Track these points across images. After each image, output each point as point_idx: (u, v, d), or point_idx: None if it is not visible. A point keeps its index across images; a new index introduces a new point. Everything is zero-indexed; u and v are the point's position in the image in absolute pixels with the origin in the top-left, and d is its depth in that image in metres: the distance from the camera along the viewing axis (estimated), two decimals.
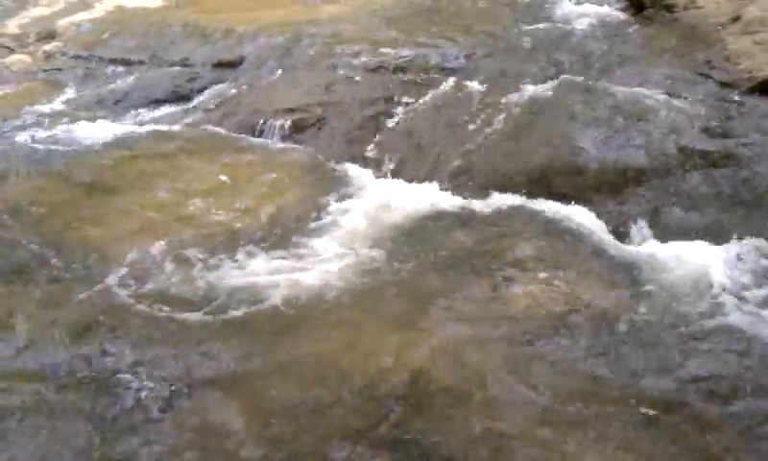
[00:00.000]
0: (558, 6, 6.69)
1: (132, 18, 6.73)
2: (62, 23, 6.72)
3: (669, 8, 6.38)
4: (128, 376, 3.01)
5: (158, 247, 3.77)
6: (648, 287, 3.45)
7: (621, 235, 3.87)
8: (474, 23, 6.28)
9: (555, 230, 3.87)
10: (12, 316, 3.36)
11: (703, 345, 3.11)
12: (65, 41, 6.37)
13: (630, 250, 3.75)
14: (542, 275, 3.51)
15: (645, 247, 3.76)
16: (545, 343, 3.12)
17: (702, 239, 3.72)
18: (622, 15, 6.53)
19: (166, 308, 3.37)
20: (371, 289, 3.45)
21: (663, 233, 3.83)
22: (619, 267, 3.61)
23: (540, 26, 6.27)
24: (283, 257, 3.68)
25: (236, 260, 3.68)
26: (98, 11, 6.99)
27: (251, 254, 3.72)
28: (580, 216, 3.95)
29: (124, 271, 3.62)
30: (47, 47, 6.26)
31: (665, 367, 2.99)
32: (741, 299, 3.31)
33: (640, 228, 3.90)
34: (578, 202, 4.06)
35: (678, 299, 3.36)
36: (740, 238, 3.67)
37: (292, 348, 3.14)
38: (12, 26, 6.73)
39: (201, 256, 3.71)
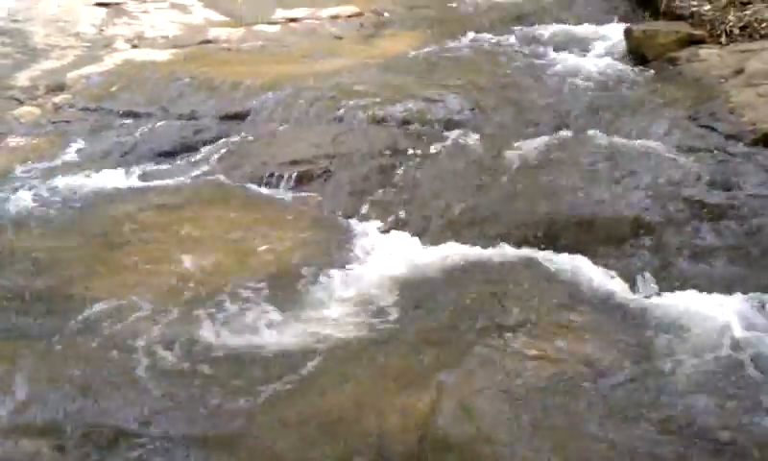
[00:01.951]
0: (561, 58, 6.74)
1: (140, 71, 6.80)
2: (72, 76, 6.79)
3: (672, 60, 6.43)
4: (131, 433, 2.98)
5: (163, 300, 3.77)
6: (656, 340, 3.43)
7: (628, 288, 3.84)
8: (478, 76, 6.32)
9: (562, 282, 3.86)
10: (13, 370, 3.34)
11: (713, 399, 3.08)
12: (74, 94, 6.43)
13: (637, 302, 3.73)
14: (550, 328, 3.49)
15: (652, 299, 3.74)
16: (554, 399, 3.09)
17: (710, 292, 3.70)
18: (625, 67, 6.57)
19: (170, 362, 3.36)
20: (377, 344, 3.43)
21: (670, 286, 3.82)
22: (626, 320, 3.59)
23: (544, 78, 6.32)
24: (288, 312, 3.67)
25: (241, 314, 3.68)
26: (107, 64, 7.06)
27: (256, 308, 3.71)
28: (586, 269, 3.94)
29: (128, 325, 3.60)
30: (56, 99, 6.32)
31: (676, 424, 2.96)
32: (751, 352, 3.29)
33: (647, 280, 3.88)
34: (584, 254, 4.05)
35: (686, 352, 3.33)
36: (748, 291, 3.66)
37: (297, 404, 3.11)
38: (22, 78, 6.80)
39: (205, 310, 3.70)
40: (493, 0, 8.87)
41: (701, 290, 3.71)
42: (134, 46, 7.65)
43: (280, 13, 8.70)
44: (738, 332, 3.37)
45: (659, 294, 3.77)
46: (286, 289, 3.85)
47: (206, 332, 3.55)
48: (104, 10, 8.70)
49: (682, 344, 3.35)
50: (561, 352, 3.33)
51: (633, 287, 3.84)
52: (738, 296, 3.63)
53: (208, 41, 7.78)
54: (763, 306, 3.54)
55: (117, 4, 8.94)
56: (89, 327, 3.62)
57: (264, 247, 4.25)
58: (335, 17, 8.48)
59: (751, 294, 3.63)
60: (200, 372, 3.30)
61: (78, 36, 7.90)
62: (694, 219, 4.22)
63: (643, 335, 3.45)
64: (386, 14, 8.68)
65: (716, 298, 3.63)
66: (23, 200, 4.78)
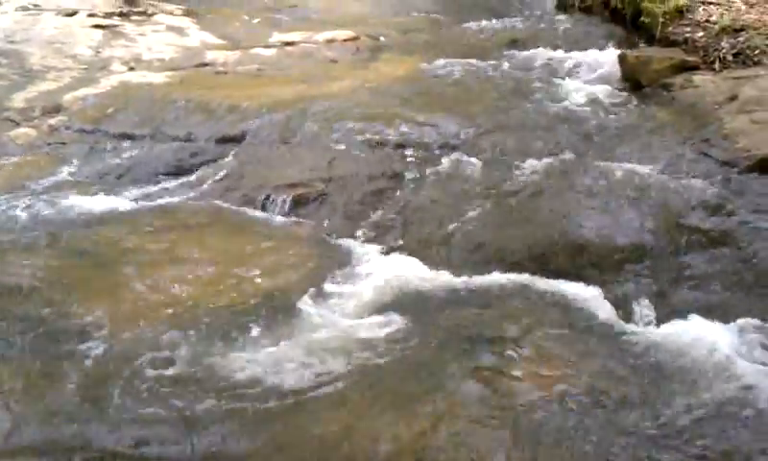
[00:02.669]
0: (556, 84, 6.78)
1: (136, 94, 6.81)
2: (68, 98, 6.79)
3: (666, 86, 6.47)
4: (122, 457, 2.97)
5: (158, 324, 3.75)
6: (651, 368, 3.43)
7: (623, 314, 3.85)
8: (474, 101, 6.35)
9: (556, 308, 3.86)
10: (9, 393, 3.33)
11: (709, 427, 3.07)
12: (70, 116, 6.42)
13: (632, 329, 3.73)
14: (545, 355, 3.49)
15: (648, 326, 3.75)
16: (548, 426, 3.08)
17: (705, 319, 3.71)
18: (620, 93, 6.61)
19: (165, 387, 3.34)
20: (371, 369, 3.42)
21: (666, 313, 3.82)
22: (622, 347, 3.59)
23: (540, 104, 6.35)
24: (283, 336, 3.66)
25: (236, 338, 3.66)
26: (103, 86, 7.07)
27: (251, 332, 3.70)
28: (582, 294, 3.95)
29: (123, 348, 3.59)
30: (52, 121, 6.32)
31: (671, 450, 2.94)
32: (749, 380, 3.29)
33: (642, 307, 3.89)
34: (579, 280, 4.06)
35: (682, 380, 3.33)
36: (744, 318, 3.66)
37: (292, 429, 3.10)
38: (19, 100, 6.80)
39: (200, 334, 3.69)
40: (488, 25, 8.93)
41: (697, 317, 3.72)
42: (131, 68, 7.66)
43: (276, 37, 8.74)
44: (734, 360, 3.37)
45: (654, 321, 3.77)
46: (281, 313, 3.84)
47: (199, 356, 3.53)
48: (101, 32, 8.72)
49: (678, 372, 3.35)
50: (555, 381, 3.32)
51: (628, 314, 3.84)
52: (734, 323, 3.64)
53: (205, 64, 7.79)
54: (760, 334, 3.54)
55: (114, 26, 8.97)
56: (80, 349, 3.59)
57: (259, 271, 4.23)
58: (331, 41, 8.52)
59: (747, 321, 3.64)
60: (192, 395, 3.28)
61: (75, 58, 7.92)
62: (689, 245, 4.24)
63: (639, 364, 3.44)
64: (382, 39, 8.72)
65: (712, 325, 3.64)
66: (17, 221, 4.77)
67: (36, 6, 9.39)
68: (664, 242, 4.27)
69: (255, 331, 3.70)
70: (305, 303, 3.89)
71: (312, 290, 4.01)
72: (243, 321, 3.78)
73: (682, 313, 3.79)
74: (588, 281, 4.05)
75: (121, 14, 9.45)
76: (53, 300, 3.97)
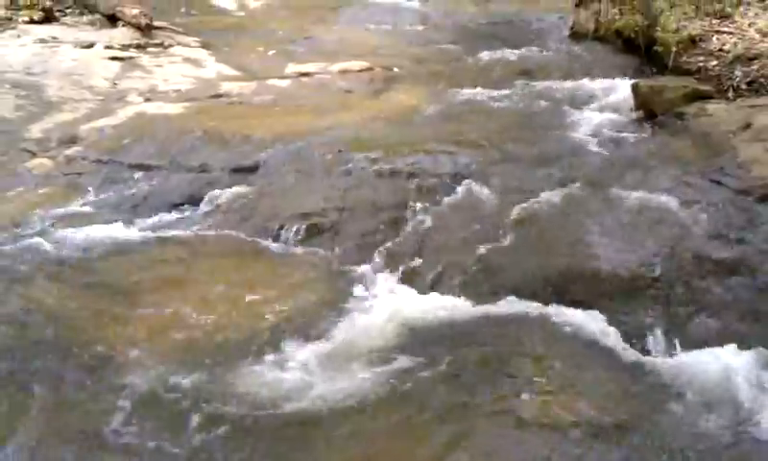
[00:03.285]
0: (569, 113, 6.80)
1: (152, 124, 6.87)
2: (84, 128, 6.86)
3: (680, 115, 6.47)
4: None
5: (170, 354, 3.77)
6: (666, 398, 3.41)
7: (638, 343, 3.83)
8: (487, 130, 6.37)
9: (571, 337, 3.84)
10: (21, 422, 3.34)
11: (722, 457, 3.04)
12: (86, 146, 6.48)
13: (647, 358, 3.71)
14: (558, 384, 3.47)
15: (662, 356, 3.73)
16: (562, 455, 3.05)
17: (720, 348, 3.67)
18: (633, 122, 6.62)
19: (179, 415, 3.36)
20: (384, 398, 3.41)
21: (681, 342, 3.80)
22: (636, 376, 3.57)
23: (553, 133, 6.36)
24: (296, 365, 3.66)
25: (249, 367, 3.68)
26: (119, 117, 7.14)
27: (264, 362, 3.71)
28: (596, 323, 3.92)
29: (137, 377, 3.61)
30: (68, 152, 6.38)
31: None
32: (762, 410, 3.25)
33: (657, 336, 3.86)
34: (594, 309, 4.04)
35: (697, 410, 3.30)
36: (759, 348, 3.63)
37: (304, 457, 3.09)
38: (35, 130, 6.88)
39: (213, 363, 3.71)
40: (501, 55, 8.97)
41: (711, 347, 3.69)
42: (147, 99, 7.73)
43: (291, 68, 8.82)
44: (748, 390, 3.34)
45: (669, 351, 3.75)
46: (294, 343, 3.84)
47: (212, 386, 3.55)
48: (118, 64, 8.84)
49: (692, 402, 3.32)
50: (569, 410, 3.30)
51: (643, 344, 3.82)
52: (749, 353, 3.60)
53: (220, 95, 7.86)
54: None
55: (131, 58, 9.08)
56: (97, 378, 3.62)
57: (272, 300, 4.25)
58: (345, 72, 8.58)
59: (761, 350, 3.60)
60: (204, 425, 3.30)
61: (91, 90, 8.01)
62: (704, 274, 4.21)
63: (653, 393, 3.42)
64: (395, 69, 8.78)
65: (727, 355, 3.60)
66: (33, 251, 4.79)
67: (54, 38, 9.54)
68: (678, 271, 4.24)
69: (269, 360, 3.71)
70: (317, 332, 3.90)
71: (325, 320, 4.02)
72: (256, 350, 3.79)
73: (696, 342, 3.76)
74: (602, 310, 4.02)
75: (138, 46, 9.57)
76: (69, 328, 4.00)
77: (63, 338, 3.92)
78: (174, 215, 5.35)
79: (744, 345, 3.66)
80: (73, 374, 3.66)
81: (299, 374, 3.61)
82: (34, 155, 6.39)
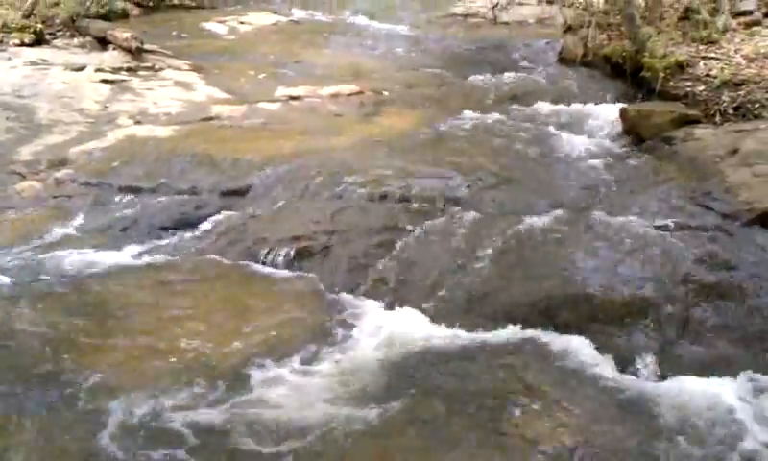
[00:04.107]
0: (557, 137, 6.84)
1: (142, 147, 6.87)
2: (74, 151, 6.84)
3: (667, 139, 6.52)
4: None
5: (160, 377, 3.75)
6: (655, 423, 3.41)
7: (627, 368, 3.84)
8: (477, 155, 6.40)
9: (560, 363, 3.85)
10: (9, 445, 3.32)
11: None
12: (76, 169, 6.47)
13: (636, 384, 3.72)
14: (548, 410, 3.47)
15: (652, 381, 3.74)
16: None
17: (709, 373, 3.69)
18: (621, 146, 6.67)
19: (166, 441, 3.33)
20: (373, 425, 3.40)
21: (670, 367, 3.81)
22: (626, 402, 3.58)
23: (542, 158, 6.40)
24: (285, 390, 3.65)
25: (238, 392, 3.66)
26: (109, 139, 7.13)
27: (252, 386, 3.70)
28: (585, 349, 3.94)
29: (124, 401, 3.59)
30: (58, 174, 6.36)
31: None
32: (751, 435, 3.25)
33: (646, 361, 3.87)
34: (583, 334, 4.05)
35: (686, 435, 3.30)
36: (748, 372, 3.65)
37: None
38: (25, 153, 6.85)
39: (201, 388, 3.69)
40: (490, 80, 9.03)
41: (700, 371, 3.71)
42: (137, 122, 7.73)
43: (282, 91, 8.84)
44: (738, 415, 3.34)
45: (658, 375, 3.76)
46: (281, 366, 3.83)
47: (200, 412, 3.53)
48: (108, 86, 8.83)
49: (683, 427, 3.32)
50: (558, 437, 3.30)
51: (632, 369, 3.83)
52: (737, 377, 3.62)
53: (210, 118, 7.86)
54: (763, 388, 3.51)
55: (122, 81, 9.09)
56: (84, 402, 3.60)
57: (260, 324, 4.24)
58: (335, 95, 8.61)
59: (750, 375, 3.62)
60: (192, 448, 3.28)
61: (82, 112, 8.00)
62: (693, 299, 4.23)
63: (644, 419, 3.43)
64: (385, 93, 8.82)
65: (715, 380, 3.62)
66: (21, 275, 4.78)
67: (44, 61, 9.54)
68: (667, 295, 4.26)
69: (255, 384, 3.70)
70: (305, 358, 3.90)
71: (312, 345, 4.01)
72: (243, 373, 3.78)
73: (685, 367, 3.78)
74: (591, 335, 4.03)
75: (129, 69, 9.58)
76: (56, 352, 3.98)
77: (51, 362, 3.90)
78: (163, 238, 5.34)
79: (733, 369, 3.68)
80: (61, 397, 3.64)
81: (286, 399, 3.59)
82: (23, 177, 6.36)
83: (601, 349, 3.92)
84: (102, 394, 3.65)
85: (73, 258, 4.95)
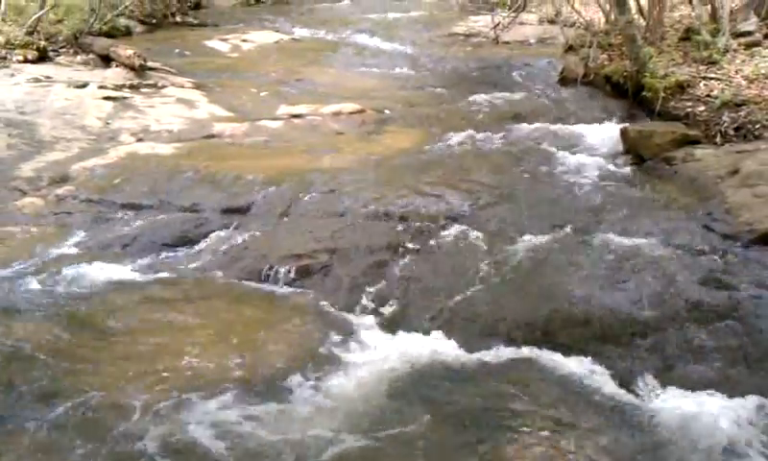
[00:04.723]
0: (558, 157, 6.85)
1: (144, 164, 6.88)
2: (75, 168, 6.86)
3: (668, 160, 6.53)
4: None
5: (159, 394, 3.74)
6: (655, 443, 3.40)
7: (627, 389, 3.83)
8: (476, 174, 6.41)
9: (560, 383, 3.84)
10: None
11: None
12: (77, 186, 6.48)
13: (636, 404, 3.71)
14: (547, 431, 3.45)
15: (651, 401, 3.72)
16: None
17: (710, 394, 3.68)
18: (622, 166, 6.67)
19: (165, 459, 3.31)
20: (374, 445, 3.38)
21: (670, 387, 3.80)
22: (626, 422, 3.57)
23: (541, 177, 6.41)
24: (286, 409, 3.63)
25: (238, 410, 3.64)
26: (111, 156, 7.15)
27: (253, 404, 3.68)
28: (585, 369, 3.93)
29: (123, 418, 3.57)
30: (59, 191, 6.37)
31: None
32: (753, 457, 3.24)
33: (646, 381, 3.86)
34: (583, 354, 4.04)
35: (686, 456, 3.28)
36: (749, 394, 3.63)
37: None
38: (27, 169, 6.87)
39: (201, 406, 3.67)
40: (491, 99, 9.06)
41: (701, 392, 3.70)
42: (139, 139, 7.76)
43: (283, 110, 8.87)
44: (740, 437, 3.33)
45: (658, 396, 3.74)
46: (282, 385, 3.82)
47: (199, 426, 3.51)
48: (110, 103, 8.86)
49: (683, 448, 3.30)
50: (559, 458, 3.28)
51: (633, 388, 3.82)
52: (737, 399, 3.60)
53: (212, 136, 7.89)
54: (762, 410, 3.50)
55: (124, 98, 9.12)
56: (86, 419, 3.59)
57: (261, 344, 4.23)
58: (337, 114, 8.64)
59: (749, 396, 3.60)
60: None
61: (84, 129, 8.02)
62: (693, 319, 4.22)
63: (644, 440, 3.41)
64: (387, 112, 8.85)
65: (715, 400, 3.61)
66: (21, 291, 4.77)
67: (47, 77, 9.58)
68: (667, 316, 4.25)
69: (256, 402, 3.69)
70: (306, 376, 3.88)
71: (313, 362, 4.00)
72: (244, 391, 3.77)
73: (685, 388, 3.76)
74: (591, 355, 4.03)
75: (131, 87, 9.63)
76: (56, 369, 3.97)
77: (51, 379, 3.89)
78: (164, 255, 5.34)
79: (734, 390, 3.67)
80: (60, 415, 3.62)
81: (287, 418, 3.58)
82: (24, 194, 6.37)
83: (601, 369, 3.92)
84: (102, 411, 3.64)
85: (73, 275, 4.95)
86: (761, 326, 4.11)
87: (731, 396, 3.63)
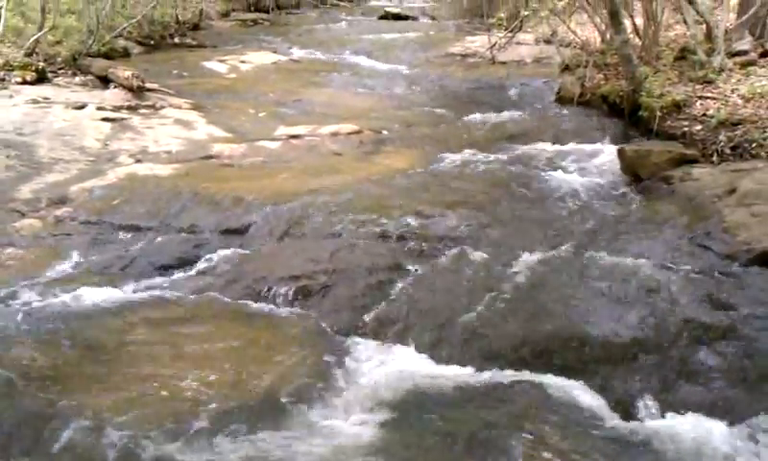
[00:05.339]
0: (555, 176, 6.88)
1: (143, 186, 6.89)
2: (74, 189, 6.86)
3: (665, 179, 6.55)
4: None
5: (156, 418, 3.72)
6: None
7: (626, 411, 3.82)
8: (475, 195, 6.43)
9: (559, 404, 3.83)
10: None
11: None
12: (76, 207, 6.48)
13: (636, 426, 3.69)
14: (546, 453, 3.44)
15: (651, 423, 3.71)
16: None
17: (709, 416, 3.67)
18: (619, 186, 6.70)
19: None
20: None
21: (670, 409, 3.79)
22: (625, 444, 3.55)
23: (539, 196, 6.43)
24: (283, 432, 3.62)
25: (236, 433, 3.62)
26: (110, 178, 7.16)
27: (250, 427, 3.66)
28: (584, 390, 3.92)
29: (119, 442, 3.55)
30: (58, 212, 6.37)
31: None
32: None
33: (646, 403, 3.85)
34: (582, 375, 4.04)
35: None
36: (746, 415, 3.63)
37: None
38: (25, 191, 6.87)
39: (198, 429, 3.65)
40: (489, 119, 9.10)
41: (700, 414, 3.69)
42: (138, 161, 7.76)
43: (282, 130, 8.90)
44: (739, 458, 3.32)
45: (656, 417, 3.73)
46: (280, 407, 3.81)
47: (196, 450, 3.50)
48: (109, 125, 8.89)
49: None
50: None
51: (631, 411, 3.81)
52: (736, 421, 3.60)
53: (211, 157, 7.90)
54: (762, 431, 3.50)
55: (123, 119, 9.15)
56: (80, 443, 3.57)
57: (260, 366, 4.21)
58: (335, 134, 8.67)
59: (749, 418, 3.60)
60: None
61: (82, 150, 8.03)
62: (691, 340, 4.22)
63: (642, 459, 3.39)
64: (384, 132, 8.88)
65: (714, 422, 3.60)
66: (19, 313, 4.76)
67: (46, 99, 9.61)
68: (666, 337, 4.25)
69: (253, 426, 3.67)
70: (304, 398, 3.87)
71: (312, 385, 3.99)
72: (241, 414, 3.75)
73: (684, 409, 3.75)
74: (590, 377, 4.02)
75: (129, 108, 9.66)
76: (56, 391, 3.95)
77: (51, 402, 3.87)
78: (163, 277, 5.33)
79: (733, 411, 3.66)
80: (58, 437, 3.60)
81: (284, 442, 3.57)
82: (23, 215, 6.37)
83: (599, 390, 3.91)
84: (99, 434, 3.61)
85: (72, 297, 4.93)
86: (760, 346, 4.11)
87: (730, 417, 3.62)
